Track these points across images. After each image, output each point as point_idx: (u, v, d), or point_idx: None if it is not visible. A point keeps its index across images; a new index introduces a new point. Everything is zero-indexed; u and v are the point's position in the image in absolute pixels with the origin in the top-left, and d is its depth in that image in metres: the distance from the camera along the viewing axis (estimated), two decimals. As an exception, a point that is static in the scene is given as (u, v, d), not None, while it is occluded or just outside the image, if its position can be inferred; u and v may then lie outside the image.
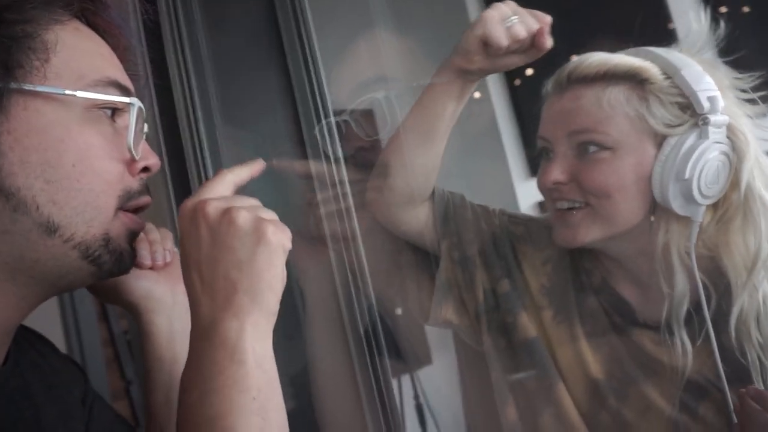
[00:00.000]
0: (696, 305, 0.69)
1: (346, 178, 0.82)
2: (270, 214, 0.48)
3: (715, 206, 0.70)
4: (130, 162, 0.49)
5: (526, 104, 1.73)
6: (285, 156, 0.83)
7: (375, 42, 1.55)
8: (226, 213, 0.46)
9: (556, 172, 0.70)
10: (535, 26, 0.70)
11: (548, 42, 0.71)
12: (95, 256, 0.47)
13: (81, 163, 0.46)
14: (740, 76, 0.71)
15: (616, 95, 0.68)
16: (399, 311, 1.43)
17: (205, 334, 0.44)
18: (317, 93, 0.82)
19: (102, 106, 0.48)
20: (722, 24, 0.72)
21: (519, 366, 0.79)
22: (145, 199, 0.51)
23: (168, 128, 0.76)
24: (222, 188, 0.49)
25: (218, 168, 0.76)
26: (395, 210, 0.81)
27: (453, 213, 0.83)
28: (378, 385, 0.81)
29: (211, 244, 0.45)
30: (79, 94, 0.45)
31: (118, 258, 0.49)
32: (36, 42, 0.44)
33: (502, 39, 0.69)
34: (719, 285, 0.70)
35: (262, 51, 0.83)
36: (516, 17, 0.69)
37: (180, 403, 0.44)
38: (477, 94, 1.74)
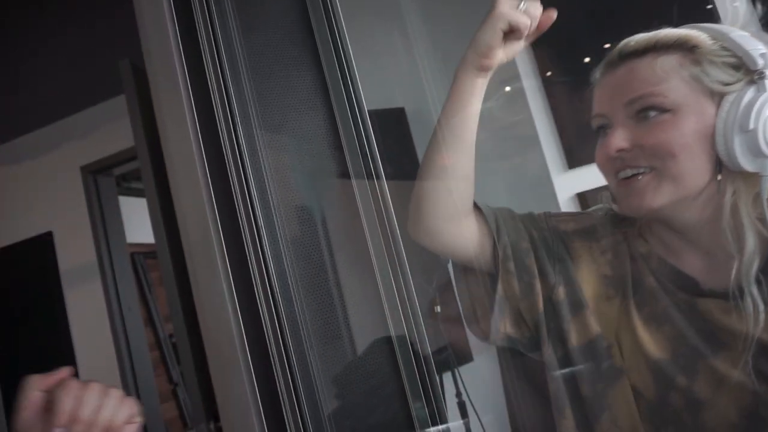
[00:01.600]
0: (766, 265, 0.68)
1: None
2: None
3: None
4: None
5: (559, 95, 1.70)
6: (322, 156, 0.83)
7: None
8: None
9: (619, 139, 0.71)
10: (539, 4, 0.73)
11: (554, 14, 0.75)
12: None
13: None
14: None
15: (669, 62, 0.69)
16: (438, 309, 1.43)
17: None
18: (351, 91, 0.83)
19: None
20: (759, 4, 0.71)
21: (579, 371, 0.78)
22: None
23: (207, 133, 0.77)
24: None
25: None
26: (441, 224, 0.80)
27: (503, 224, 0.83)
28: (423, 382, 0.81)
29: None
30: None
31: None
32: None
33: (527, 23, 0.72)
34: None
35: (296, 52, 0.84)
36: (523, 1, 0.73)
37: None
38: (507, 88, 1.73)
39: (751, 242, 0.68)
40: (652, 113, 0.69)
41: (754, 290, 0.68)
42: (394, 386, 0.85)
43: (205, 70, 0.78)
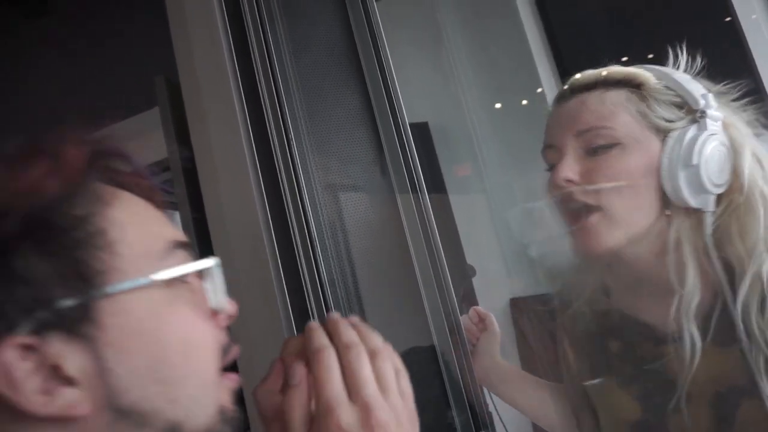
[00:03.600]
0: (706, 301, 0.70)
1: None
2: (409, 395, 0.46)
3: (718, 201, 0.71)
4: (214, 316, 0.45)
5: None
6: (367, 172, 0.87)
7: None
8: (400, 417, 0.43)
9: (566, 170, 0.72)
10: None
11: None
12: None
13: (185, 346, 0.41)
14: (724, 86, 0.76)
15: (617, 96, 0.73)
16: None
17: None
18: (396, 109, 0.86)
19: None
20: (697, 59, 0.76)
21: None
22: (235, 350, 0.47)
23: (260, 151, 0.80)
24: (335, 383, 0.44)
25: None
26: None
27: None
28: (467, 389, 0.83)
29: None
30: (160, 276, 0.40)
31: (233, 424, 0.45)
32: (102, 239, 0.39)
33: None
34: (727, 277, 0.70)
35: (342, 72, 0.88)
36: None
37: None
38: (524, 102, 1.76)
39: (691, 278, 0.69)
40: (601, 147, 0.71)
41: (693, 327, 0.68)
42: (435, 393, 0.87)
43: (258, 88, 0.81)
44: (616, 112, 0.71)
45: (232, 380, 0.46)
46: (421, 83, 1.75)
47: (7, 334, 0.35)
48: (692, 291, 0.69)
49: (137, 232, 0.41)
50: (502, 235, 1.64)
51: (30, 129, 0.41)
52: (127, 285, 0.38)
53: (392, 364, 0.45)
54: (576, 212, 0.72)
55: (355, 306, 0.81)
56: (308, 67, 0.85)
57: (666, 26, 1.55)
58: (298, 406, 0.43)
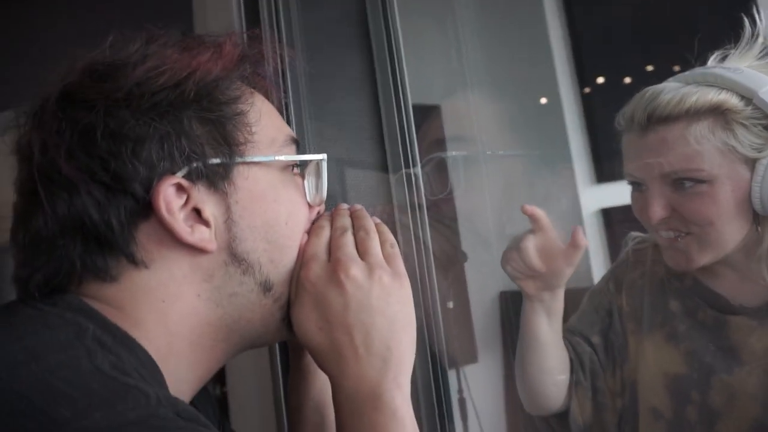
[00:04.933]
0: None
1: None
2: (398, 260, 0.51)
3: None
4: (310, 208, 0.53)
5: (596, 111, 1.70)
6: (365, 143, 0.85)
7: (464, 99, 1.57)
8: (372, 275, 0.48)
9: (658, 210, 0.73)
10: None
11: (582, 239, 0.77)
12: (288, 309, 0.50)
13: (291, 220, 0.50)
14: None
15: (701, 131, 0.70)
16: (450, 305, 1.45)
17: (372, 403, 0.46)
18: (398, 80, 0.84)
19: (292, 164, 0.52)
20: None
21: None
22: None
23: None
24: (345, 241, 0.50)
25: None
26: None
27: (589, 367, 0.88)
28: (435, 376, 0.83)
29: (362, 308, 0.47)
30: (283, 158, 0.50)
31: None
32: (244, 118, 0.48)
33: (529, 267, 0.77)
34: None
35: (350, 35, 0.86)
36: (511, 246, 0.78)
37: None
38: (544, 100, 1.74)
39: None
40: (689, 183, 0.71)
41: None
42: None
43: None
44: (702, 151, 0.70)
45: None
46: (438, 66, 1.72)
47: (170, 173, 0.44)
48: None
49: (268, 122, 0.50)
50: (498, 228, 1.63)
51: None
52: (258, 158, 0.48)
53: (384, 237, 0.52)
54: (667, 236, 0.75)
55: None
56: (315, 25, 0.83)
57: (689, 33, 1.52)
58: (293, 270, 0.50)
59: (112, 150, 0.43)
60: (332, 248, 0.50)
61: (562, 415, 0.87)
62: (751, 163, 0.69)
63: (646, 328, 0.83)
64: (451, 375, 1.46)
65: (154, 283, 0.45)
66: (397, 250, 0.52)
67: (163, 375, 0.42)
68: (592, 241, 1.61)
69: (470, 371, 1.52)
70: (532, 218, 0.77)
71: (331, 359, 0.48)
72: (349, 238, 0.51)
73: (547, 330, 0.82)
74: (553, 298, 0.81)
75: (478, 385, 1.52)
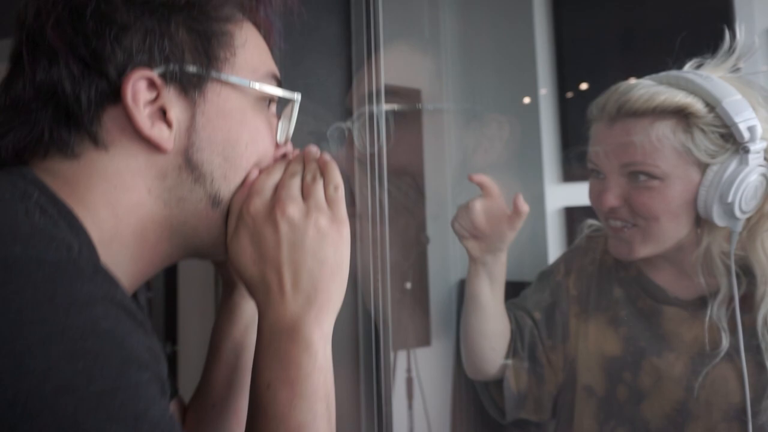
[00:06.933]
0: (730, 293, 0.77)
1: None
2: (339, 204, 0.52)
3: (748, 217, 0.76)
4: (276, 147, 0.55)
5: (574, 116, 1.74)
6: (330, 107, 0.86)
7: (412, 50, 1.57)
8: (309, 216, 0.50)
9: (611, 199, 0.78)
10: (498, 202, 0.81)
11: (523, 205, 0.81)
12: None
13: (252, 145, 0.51)
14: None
15: (664, 130, 0.74)
16: (408, 285, 1.47)
17: (289, 334, 0.48)
18: (373, 50, 0.85)
19: (267, 97, 0.53)
20: (756, 39, 0.76)
21: None
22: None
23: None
24: (292, 184, 0.52)
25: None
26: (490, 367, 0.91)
27: (528, 339, 0.91)
28: (377, 356, 0.85)
29: (294, 247, 0.49)
30: (259, 86, 0.51)
31: None
32: (230, 38, 0.50)
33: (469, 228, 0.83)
34: (748, 276, 0.77)
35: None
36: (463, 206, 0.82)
37: (258, 394, 0.48)
38: (527, 99, 1.76)
39: (720, 276, 0.77)
40: (643, 177, 0.75)
41: (718, 311, 0.77)
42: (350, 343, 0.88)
43: None
44: (662, 149, 0.73)
45: None
46: (422, 50, 1.72)
47: (146, 66, 0.46)
48: (719, 286, 0.77)
49: (254, 51, 0.52)
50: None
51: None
52: (233, 79, 0.50)
53: (329, 179, 0.53)
54: (615, 225, 0.80)
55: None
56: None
57: (673, 44, 1.55)
58: (237, 200, 0.52)
59: (97, 30, 0.45)
60: (278, 187, 0.52)
61: (499, 383, 0.90)
62: (703, 168, 0.73)
63: (591, 312, 0.88)
64: (402, 355, 1.49)
65: (110, 168, 0.47)
66: (341, 194, 0.53)
67: (100, 257, 0.43)
68: (553, 236, 1.65)
69: (421, 353, 1.55)
70: (480, 185, 0.80)
71: (260, 291, 0.50)
72: (295, 181, 0.52)
73: (488, 293, 0.86)
74: (495, 261, 0.85)
75: (427, 367, 1.55)
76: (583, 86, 1.74)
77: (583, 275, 0.91)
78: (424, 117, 1.70)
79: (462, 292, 1.74)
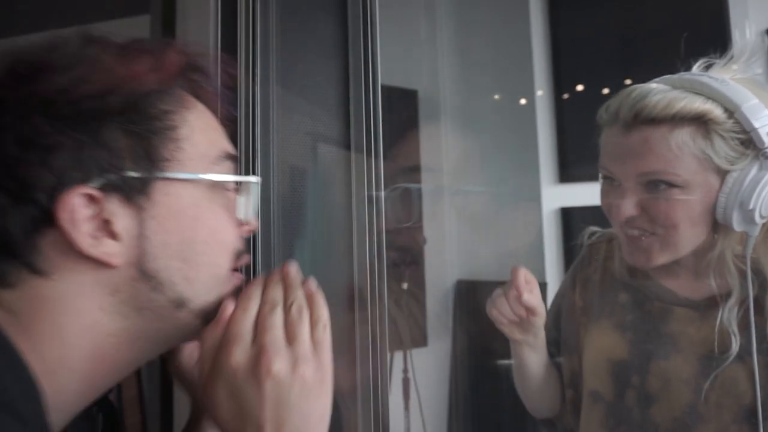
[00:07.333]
0: (742, 296, 0.77)
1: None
2: (326, 349, 0.48)
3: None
4: (240, 225, 0.51)
5: (570, 117, 1.74)
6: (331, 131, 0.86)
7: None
8: (296, 371, 0.46)
9: (630, 208, 0.75)
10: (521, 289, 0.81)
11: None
12: (210, 318, 0.48)
13: (211, 238, 0.48)
14: None
15: (683, 137, 0.71)
16: (405, 286, 1.47)
17: None
18: (370, 52, 0.85)
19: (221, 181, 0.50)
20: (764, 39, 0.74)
21: None
22: (246, 257, 0.53)
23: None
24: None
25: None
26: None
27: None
28: (374, 354, 0.85)
29: (279, 406, 0.45)
30: (211, 177, 0.48)
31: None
32: (173, 132, 0.46)
33: (505, 316, 0.83)
34: (759, 278, 0.76)
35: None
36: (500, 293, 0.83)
37: None
38: (523, 101, 1.76)
39: (733, 279, 0.76)
40: (662, 186, 0.73)
41: (730, 314, 0.76)
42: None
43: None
44: (681, 156, 0.71)
45: (238, 279, 0.52)
46: (418, 50, 1.73)
47: (81, 182, 0.42)
48: (732, 289, 0.76)
49: (201, 137, 0.48)
50: (458, 217, 1.66)
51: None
52: (182, 175, 0.46)
53: (316, 317, 0.49)
54: (632, 234, 0.78)
55: (282, 250, 0.82)
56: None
57: (672, 48, 1.55)
58: (210, 338, 0.48)
59: (21, 156, 0.42)
60: (259, 328, 0.47)
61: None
62: (722, 174, 0.72)
63: (595, 318, 0.87)
64: (399, 356, 1.49)
65: (54, 294, 0.43)
66: (327, 333, 0.49)
67: (43, 389, 0.41)
68: (549, 236, 1.66)
69: (418, 354, 1.55)
70: (514, 278, 0.81)
71: None
72: (277, 319, 0.48)
73: (535, 362, 0.89)
74: (536, 338, 0.86)
75: (424, 368, 1.56)
76: (579, 88, 1.75)
77: (589, 285, 0.90)
78: (421, 118, 1.71)
79: (459, 293, 1.75)
